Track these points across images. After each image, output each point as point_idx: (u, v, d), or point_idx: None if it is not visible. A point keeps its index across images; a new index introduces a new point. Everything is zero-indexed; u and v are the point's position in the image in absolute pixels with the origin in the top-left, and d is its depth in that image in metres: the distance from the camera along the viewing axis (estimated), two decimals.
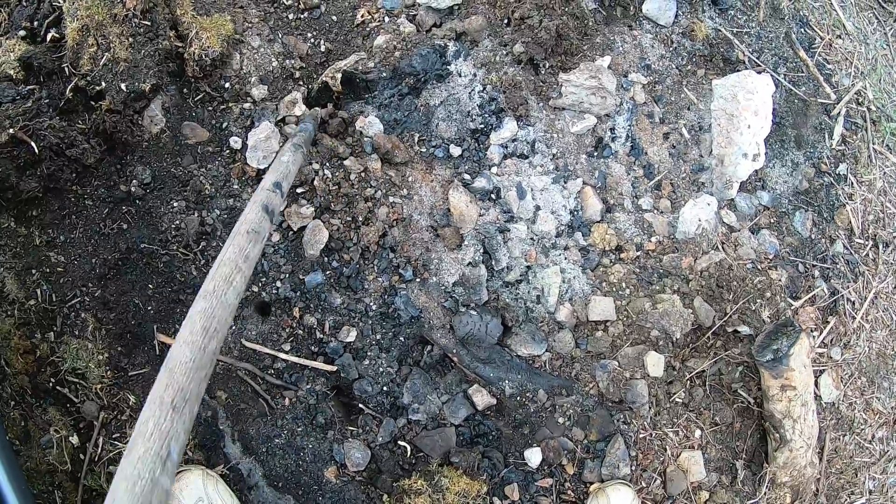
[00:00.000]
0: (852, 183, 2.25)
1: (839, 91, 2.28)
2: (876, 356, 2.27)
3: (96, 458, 1.63)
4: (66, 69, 1.75)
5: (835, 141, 2.23)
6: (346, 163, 1.71)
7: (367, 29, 1.91)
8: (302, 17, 1.94)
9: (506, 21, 1.82)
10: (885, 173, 2.36)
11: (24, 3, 1.99)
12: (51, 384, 1.67)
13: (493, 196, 1.76)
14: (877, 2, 2.56)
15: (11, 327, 1.66)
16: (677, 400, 1.86)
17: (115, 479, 0.82)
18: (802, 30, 2.26)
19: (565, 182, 1.81)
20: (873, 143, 2.34)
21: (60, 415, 1.65)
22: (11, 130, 1.64)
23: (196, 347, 1.02)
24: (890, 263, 2.33)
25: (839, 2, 2.42)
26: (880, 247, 2.28)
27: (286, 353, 1.72)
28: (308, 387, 1.72)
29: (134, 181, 1.78)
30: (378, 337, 1.73)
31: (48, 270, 1.71)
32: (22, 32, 1.88)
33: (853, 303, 2.20)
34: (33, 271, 1.71)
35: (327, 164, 1.73)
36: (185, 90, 1.84)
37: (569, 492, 1.72)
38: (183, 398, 0.95)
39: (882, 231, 2.31)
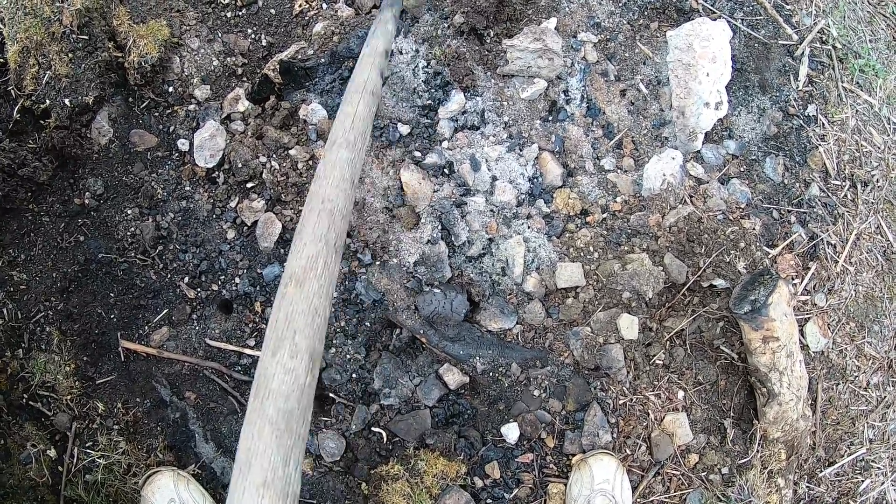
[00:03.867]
0: (823, 124, 2.19)
1: (801, 31, 2.21)
2: (864, 299, 2.21)
3: (73, 469, 1.64)
4: (12, 91, 1.75)
5: (801, 82, 2.16)
6: (293, 152, 1.69)
7: (306, 18, 1.87)
8: (240, 13, 1.91)
9: None
10: (857, 111, 2.29)
11: None
12: (24, 399, 1.68)
13: (446, 171, 1.72)
14: None
15: None
16: (657, 362, 1.82)
17: (292, 311, 0.83)
18: None
19: (521, 149, 1.77)
20: (842, 82, 2.27)
21: (36, 429, 1.67)
22: None
23: (347, 196, 1.02)
24: (870, 203, 2.26)
25: None
26: (858, 186, 2.22)
27: (251, 348, 1.71)
28: None
29: (87, 193, 1.79)
30: (342, 324, 1.71)
31: (12, 289, 1.72)
32: None
33: (834, 246, 2.14)
34: None
35: (274, 155, 1.70)
36: (129, 99, 1.83)
37: (551, 465, 1.69)
38: (342, 241, 0.98)
39: (859, 170, 2.24)
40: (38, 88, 1.73)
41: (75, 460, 1.68)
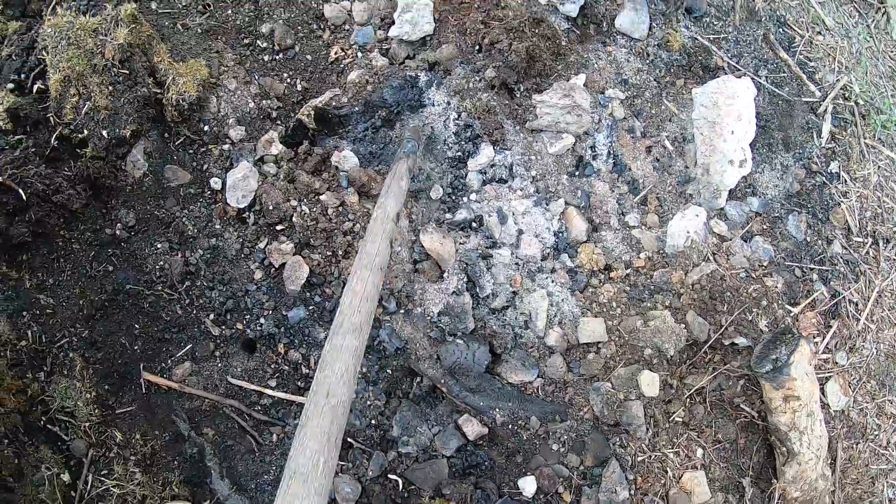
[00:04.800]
0: (846, 180, 2.20)
1: (824, 88, 2.24)
2: (885, 357, 2.20)
3: (86, 495, 1.64)
4: (52, 119, 1.80)
5: (824, 139, 2.18)
6: (323, 198, 1.72)
7: (341, 66, 1.93)
8: (277, 58, 1.97)
9: (477, 48, 1.83)
10: (879, 167, 2.30)
11: (14, 58, 2.06)
12: (42, 422, 1.69)
13: (473, 224, 1.75)
14: None
15: (4, 367, 1.70)
16: (677, 419, 1.81)
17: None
18: (781, 30, 2.23)
19: (547, 204, 1.79)
20: (864, 138, 2.29)
21: (52, 452, 1.68)
22: (0, 178, 1.69)
23: (350, 388, 1.05)
24: (892, 259, 2.26)
25: None
26: (880, 243, 2.22)
27: (272, 388, 1.72)
28: (295, 422, 1.72)
29: (119, 224, 1.82)
30: (364, 370, 1.72)
31: (38, 312, 1.75)
32: (10, 85, 1.94)
33: (856, 304, 2.14)
34: (24, 313, 1.75)
35: (304, 199, 1.74)
36: (165, 134, 1.88)
37: None
38: (342, 431, 1.03)
39: (881, 227, 2.24)
40: (77, 118, 1.77)
41: (89, 487, 1.68)
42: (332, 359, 1.04)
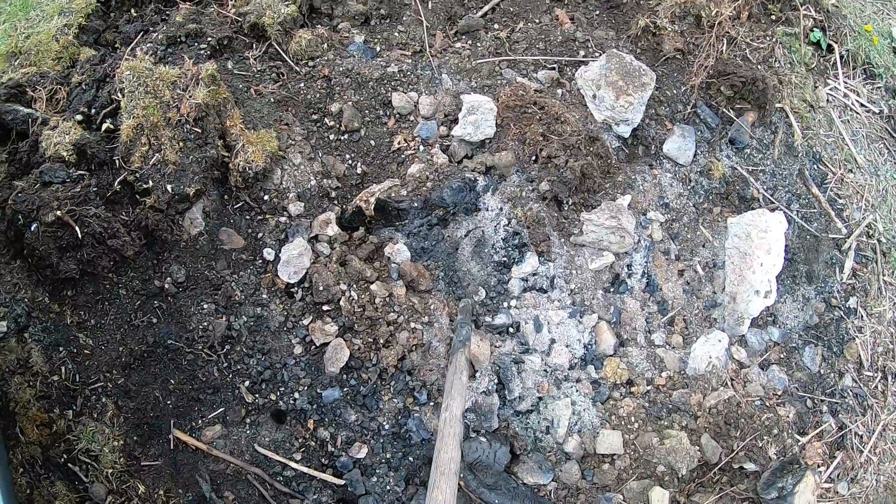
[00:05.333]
0: (862, 316, 2.29)
1: (850, 225, 2.35)
2: (884, 489, 2.26)
3: None
4: (117, 162, 1.84)
5: (845, 275, 2.28)
6: (373, 287, 1.80)
7: (403, 156, 2.03)
8: (342, 138, 2.06)
9: (533, 158, 1.94)
10: (894, 304, 2.40)
11: (84, 88, 2.12)
12: (62, 459, 1.71)
13: (510, 329, 1.83)
14: (887, 132, 2.66)
15: (31, 398, 1.72)
16: None
17: None
18: (815, 166, 2.36)
19: (581, 316, 1.88)
20: (883, 275, 2.39)
21: (67, 490, 1.69)
22: (58, 212, 1.73)
23: None
24: None
25: (850, 135, 2.52)
26: (889, 378, 2.30)
27: (297, 462, 1.77)
28: (314, 497, 1.76)
29: (168, 278, 1.86)
30: (388, 455, 1.77)
31: (75, 350, 1.78)
32: (79, 117, 1.99)
33: (861, 437, 2.21)
34: (61, 348, 1.78)
35: (354, 285, 1.82)
36: (226, 197, 1.94)
37: None
38: None
39: (891, 362, 2.33)
40: (145, 167, 1.81)
41: None
42: None
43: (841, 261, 2.29)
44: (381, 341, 1.77)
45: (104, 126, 1.95)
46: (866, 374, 2.26)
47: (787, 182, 2.27)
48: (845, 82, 2.63)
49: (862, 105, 2.65)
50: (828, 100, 2.52)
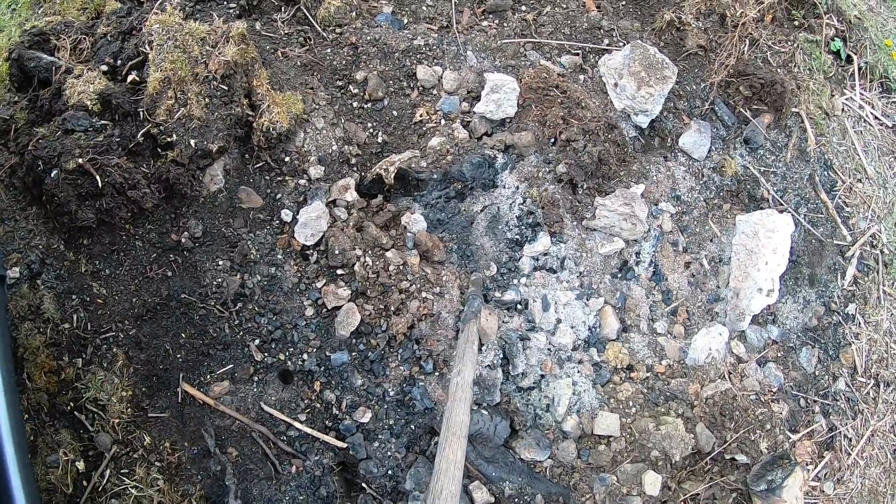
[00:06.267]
0: (860, 323, 2.34)
1: (855, 233, 2.39)
2: (868, 492, 2.31)
3: (100, 489, 1.67)
4: (141, 114, 1.83)
5: (846, 281, 2.33)
6: (388, 254, 1.83)
7: (424, 128, 2.05)
8: (365, 106, 2.08)
9: (552, 140, 1.96)
10: (892, 314, 2.45)
11: (110, 38, 2.11)
12: (69, 407, 1.72)
13: (519, 306, 1.86)
14: None
15: (41, 344, 1.72)
16: None
17: None
18: (826, 172, 2.40)
19: (588, 299, 1.91)
20: (883, 285, 2.44)
21: (72, 439, 1.70)
22: (80, 160, 1.73)
23: None
24: (890, 402, 2.39)
25: (862, 146, 2.56)
26: (881, 386, 2.35)
27: (301, 422, 1.80)
28: (316, 458, 1.79)
29: (185, 233, 1.87)
30: (391, 422, 1.81)
31: (88, 299, 1.78)
32: (104, 67, 1.98)
33: (850, 439, 2.26)
34: (73, 297, 1.79)
35: (370, 252, 1.84)
36: (247, 156, 1.95)
37: None
38: None
39: (884, 371, 2.38)
40: (169, 121, 1.80)
41: (105, 481, 1.72)
42: None
43: (843, 267, 2.34)
44: (392, 309, 1.80)
45: (129, 78, 1.93)
46: (859, 380, 2.31)
47: (797, 186, 2.31)
48: (861, 94, 2.67)
49: (876, 118, 2.69)
50: (843, 109, 2.55)
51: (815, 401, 2.18)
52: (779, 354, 2.16)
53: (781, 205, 2.25)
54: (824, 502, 2.19)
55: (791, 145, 2.31)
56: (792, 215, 2.20)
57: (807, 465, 2.15)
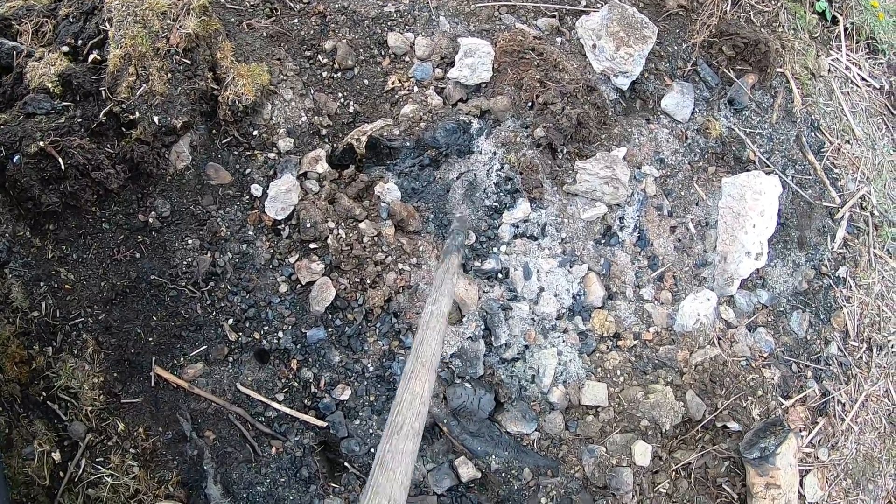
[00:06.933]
0: (851, 286, 2.30)
1: (844, 195, 2.34)
2: (863, 458, 2.28)
3: (76, 479, 1.63)
4: (103, 92, 1.77)
5: (836, 244, 2.28)
6: (361, 225, 1.76)
7: (396, 96, 1.98)
8: (335, 76, 2.01)
9: (529, 104, 1.90)
10: (883, 277, 2.41)
11: (71, 20, 2.04)
12: (41, 398, 1.67)
13: (499, 275, 1.80)
14: (886, 108, 2.65)
15: (11, 335, 1.67)
16: (661, 490, 1.87)
17: None
18: (813, 133, 2.34)
19: (571, 266, 1.85)
20: (874, 248, 2.39)
21: (46, 429, 1.65)
22: (42, 143, 1.67)
23: (406, 490, 1.09)
24: (883, 367, 2.35)
25: (850, 107, 2.51)
26: (874, 350, 2.31)
27: (279, 402, 1.74)
28: (296, 439, 1.74)
29: (153, 213, 1.82)
30: (372, 399, 1.75)
31: (56, 285, 1.73)
32: (65, 48, 1.92)
33: (843, 405, 2.22)
34: (41, 284, 1.73)
35: (343, 224, 1.78)
36: (213, 131, 1.89)
37: None
38: None
39: (877, 334, 2.34)
40: (131, 98, 1.75)
41: (81, 471, 1.67)
42: (392, 462, 1.07)
43: (833, 230, 2.29)
44: (368, 282, 1.74)
45: (91, 57, 1.88)
46: (852, 344, 2.27)
47: (783, 147, 2.25)
48: (848, 55, 2.61)
49: (863, 79, 2.63)
50: (829, 70, 2.50)
51: (807, 366, 2.14)
52: (769, 319, 2.11)
53: (768, 166, 2.19)
54: (819, 469, 2.15)
55: (777, 106, 2.26)
56: (779, 177, 2.15)
57: (800, 431, 2.12)
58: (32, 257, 1.75)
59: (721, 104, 2.17)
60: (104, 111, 1.76)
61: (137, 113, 1.76)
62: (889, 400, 2.35)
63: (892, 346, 2.37)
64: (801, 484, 2.08)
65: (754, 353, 2.02)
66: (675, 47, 2.13)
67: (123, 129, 1.79)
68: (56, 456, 1.69)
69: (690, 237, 2.05)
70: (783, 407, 2.06)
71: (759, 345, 2.04)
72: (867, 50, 2.68)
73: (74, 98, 1.83)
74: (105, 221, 1.81)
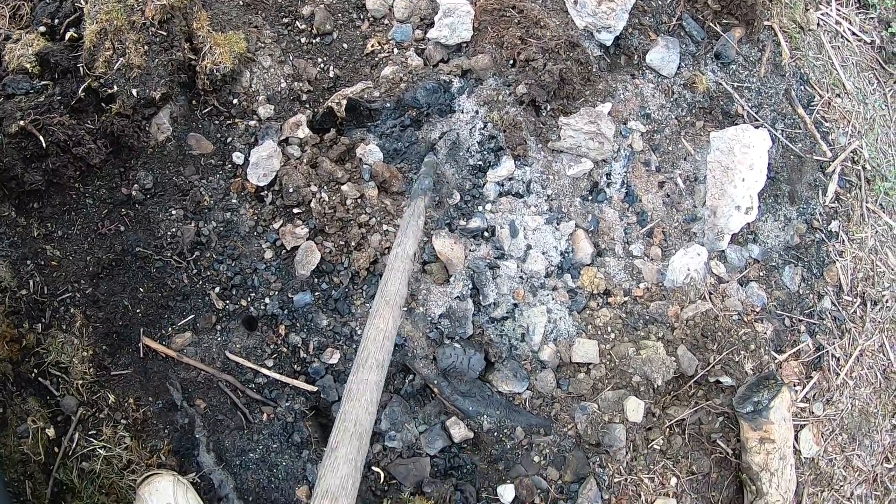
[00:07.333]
0: (843, 240, 2.28)
1: (835, 149, 2.32)
2: (858, 413, 2.28)
3: (70, 453, 1.64)
4: (81, 69, 1.78)
5: (828, 198, 2.26)
6: (344, 188, 1.75)
7: (376, 59, 1.95)
8: (314, 42, 1.99)
9: (511, 62, 1.87)
10: (877, 232, 2.39)
11: (48, 1, 2.03)
12: (33, 374, 1.68)
13: (485, 234, 1.79)
14: (878, 62, 2.62)
15: (0, 314, 1.68)
16: (655, 447, 1.87)
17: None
18: (802, 87, 2.31)
19: (558, 223, 1.84)
20: (866, 202, 2.37)
21: (39, 406, 1.66)
22: (22, 122, 1.67)
23: (373, 416, 1.18)
24: (878, 322, 2.34)
25: (840, 62, 2.47)
26: (868, 305, 2.30)
27: (269, 368, 1.74)
28: (287, 404, 1.74)
29: (136, 185, 1.82)
30: None
31: (42, 263, 1.73)
32: (42, 28, 1.93)
33: (838, 359, 2.21)
34: (28, 262, 1.73)
35: (325, 187, 1.76)
36: (193, 102, 1.88)
37: None
38: (365, 455, 1.21)
39: (871, 289, 2.33)
40: (109, 73, 1.75)
41: (74, 445, 1.68)
42: (358, 391, 1.16)
43: (824, 183, 2.27)
44: (353, 244, 1.73)
45: (67, 35, 1.88)
46: (845, 299, 2.26)
47: (772, 101, 2.22)
48: (838, 9, 2.57)
49: (853, 34, 2.59)
50: (818, 24, 2.46)
51: (800, 320, 2.13)
52: (761, 274, 2.10)
53: (757, 120, 2.17)
54: (814, 423, 2.15)
55: (765, 60, 2.22)
56: (768, 131, 2.13)
57: (794, 385, 2.11)
58: (18, 236, 1.75)
59: (708, 59, 2.14)
60: (83, 87, 1.76)
61: (116, 87, 1.76)
62: (884, 355, 2.34)
63: (887, 301, 2.36)
64: (797, 439, 2.08)
65: (746, 308, 2.01)
66: (660, 2, 2.10)
67: (103, 105, 1.80)
68: (50, 432, 1.69)
69: (679, 192, 2.03)
70: (776, 361, 2.05)
71: (751, 299, 2.02)
72: (857, 4, 2.64)
73: (53, 76, 1.84)
74: (88, 197, 1.81)
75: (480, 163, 1.81)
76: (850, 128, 2.40)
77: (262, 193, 1.83)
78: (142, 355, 1.74)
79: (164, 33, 1.81)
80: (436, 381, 1.72)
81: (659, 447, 1.87)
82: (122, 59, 1.78)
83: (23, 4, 2.04)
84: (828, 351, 2.16)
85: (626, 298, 1.89)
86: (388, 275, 1.34)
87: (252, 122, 1.87)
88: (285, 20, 1.99)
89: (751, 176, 1.99)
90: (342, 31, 2.00)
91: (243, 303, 1.78)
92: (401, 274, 1.35)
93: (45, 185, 1.73)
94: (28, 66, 1.84)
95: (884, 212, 2.41)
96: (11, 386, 1.68)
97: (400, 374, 1.77)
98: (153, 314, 1.77)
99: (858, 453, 2.23)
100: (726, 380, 1.89)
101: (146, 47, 1.79)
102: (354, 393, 1.15)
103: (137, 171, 1.82)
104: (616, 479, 1.79)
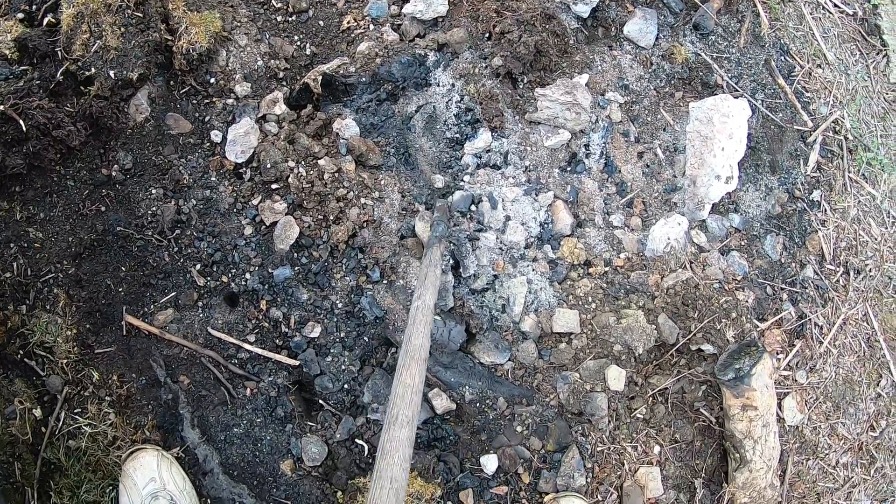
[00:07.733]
0: (826, 210, 2.29)
1: (816, 119, 2.32)
2: (842, 382, 2.29)
3: (56, 432, 1.66)
4: (59, 53, 1.80)
5: (810, 167, 2.26)
6: (321, 162, 1.75)
7: (352, 35, 1.95)
8: (290, 19, 1.99)
9: (487, 35, 1.87)
10: (859, 202, 2.40)
11: None
12: (19, 356, 1.70)
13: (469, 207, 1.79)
14: (860, 34, 2.61)
15: None
16: (638, 415, 1.88)
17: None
18: (783, 58, 2.31)
19: (537, 194, 1.84)
20: (849, 172, 2.38)
21: (26, 387, 1.68)
22: (1, 107, 1.69)
23: (407, 472, 1.20)
24: (861, 291, 2.35)
25: (821, 32, 2.47)
26: (851, 273, 2.31)
27: (251, 343, 1.75)
28: (270, 379, 1.75)
29: (115, 166, 1.83)
30: (342, 335, 1.76)
31: (25, 245, 1.75)
32: (20, 15, 1.95)
33: (821, 327, 2.22)
34: (11, 245, 1.75)
35: (302, 162, 1.77)
36: (171, 82, 1.89)
37: (523, 501, 1.73)
38: None
39: (854, 258, 2.34)
40: (86, 55, 1.77)
41: (61, 424, 1.70)
42: (391, 448, 1.21)
43: (806, 153, 2.27)
44: (332, 218, 1.73)
45: (45, 20, 1.91)
46: (828, 268, 2.27)
47: (752, 71, 2.22)
48: None
49: (836, 5, 2.59)
50: None
51: (782, 288, 2.14)
52: (742, 243, 2.11)
53: (737, 91, 2.17)
54: (797, 391, 2.16)
55: (744, 30, 2.22)
56: (748, 101, 2.13)
57: (777, 353, 2.12)
58: (1, 220, 1.76)
59: (686, 30, 2.13)
60: (61, 70, 1.78)
61: (93, 69, 1.78)
62: (868, 324, 2.36)
63: (870, 270, 2.37)
64: (780, 407, 2.09)
65: (727, 277, 2.02)
66: None
67: (82, 87, 1.82)
68: (37, 412, 1.71)
69: (659, 163, 2.03)
70: (759, 329, 2.06)
71: (732, 268, 2.03)
72: None
73: (32, 61, 1.86)
74: (69, 178, 1.82)
75: (458, 135, 1.81)
76: (832, 98, 2.40)
77: (240, 170, 1.83)
78: (125, 333, 1.75)
79: (140, 15, 1.82)
80: None
81: (642, 416, 1.88)
82: (98, 41, 1.79)
83: None
84: (810, 319, 2.17)
85: (606, 268, 1.90)
86: (410, 329, 1.39)
87: (229, 101, 1.88)
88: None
89: (730, 145, 2.00)
90: (318, 8, 1.99)
91: (224, 279, 1.79)
92: (423, 327, 1.39)
93: (26, 168, 1.75)
94: (7, 52, 1.86)
95: (866, 181, 2.41)
96: None
97: (381, 348, 1.78)
98: (135, 292, 1.78)
99: (843, 421, 2.25)
100: (708, 348, 1.90)
101: (122, 29, 1.80)
102: (388, 451, 1.20)
103: (117, 151, 1.83)
104: (599, 448, 1.80)
